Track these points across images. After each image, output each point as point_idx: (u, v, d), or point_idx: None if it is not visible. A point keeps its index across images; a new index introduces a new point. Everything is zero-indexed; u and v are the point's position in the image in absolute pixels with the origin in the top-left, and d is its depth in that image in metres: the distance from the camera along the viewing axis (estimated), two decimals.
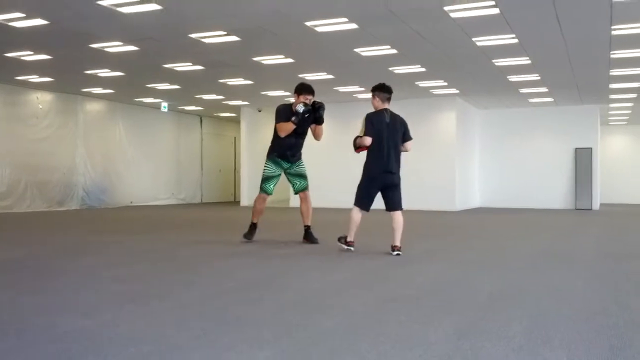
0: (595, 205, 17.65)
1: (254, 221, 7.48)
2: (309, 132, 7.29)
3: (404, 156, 6.57)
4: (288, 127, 6.96)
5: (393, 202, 6.44)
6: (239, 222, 8.33)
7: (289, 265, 5.70)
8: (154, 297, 4.00)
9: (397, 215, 6.41)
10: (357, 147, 6.47)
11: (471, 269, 5.48)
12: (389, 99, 6.48)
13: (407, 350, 2.73)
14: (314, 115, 7.06)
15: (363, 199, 6.46)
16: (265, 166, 7.33)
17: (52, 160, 15.71)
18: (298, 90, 7.09)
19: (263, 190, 7.31)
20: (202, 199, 21.53)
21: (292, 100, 7.19)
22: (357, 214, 6.48)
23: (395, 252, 6.24)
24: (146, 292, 4.17)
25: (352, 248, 6.51)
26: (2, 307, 3.69)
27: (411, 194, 16.51)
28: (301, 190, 7.40)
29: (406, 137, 6.48)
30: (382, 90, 6.46)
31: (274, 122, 7.19)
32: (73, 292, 4.18)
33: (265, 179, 7.29)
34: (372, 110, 6.51)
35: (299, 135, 7.17)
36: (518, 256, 6.52)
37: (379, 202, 6.50)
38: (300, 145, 7.31)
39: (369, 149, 6.34)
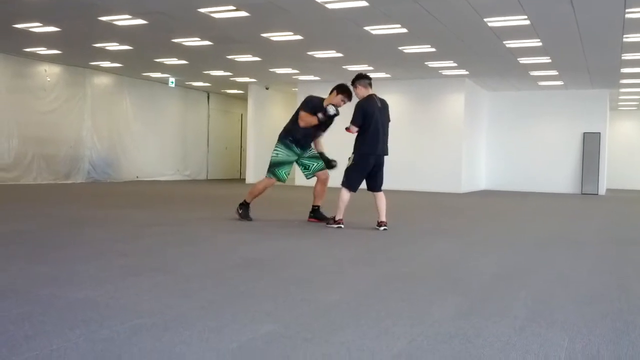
0: (602, 191, 17.59)
1: (248, 202, 7.24)
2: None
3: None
4: (311, 121, 6.90)
5: (378, 184, 6.79)
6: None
7: (293, 242, 5.72)
8: (158, 270, 4.02)
9: (381, 195, 6.76)
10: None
11: (476, 250, 5.49)
12: (370, 85, 6.77)
13: (408, 327, 2.74)
14: (330, 164, 7.14)
15: (355, 181, 6.72)
16: (276, 150, 7.09)
17: (59, 133, 15.74)
18: (340, 89, 6.95)
19: (274, 175, 7.05)
20: (208, 175, 21.57)
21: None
22: (346, 194, 6.73)
23: (382, 228, 6.60)
24: (151, 265, 4.20)
25: (342, 226, 6.70)
26: (11, 277, 3.72)
27: (417, 175, 16.70)
28: (320, 170, 7.18)
29: (388, 119, 6.84)
30: (363, 78, 6.77)
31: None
32: (79, 264, 4.20)
33: (278, 164, 7.04)
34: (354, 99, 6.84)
35: (318, 128, 7.05)
36: (523, 239, 6.52)
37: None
38: (316, 137, 7.20)
39: (361, 132, 6.62)
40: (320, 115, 6.88)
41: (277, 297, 3.30)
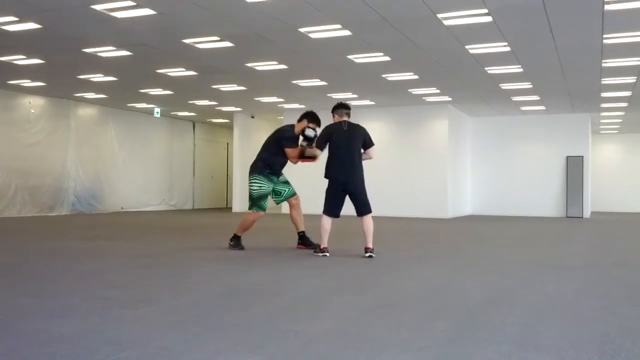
0: (586, 214, 17.72)
1: (239, 234, 7.30)
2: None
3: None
4: (299, 154, 7.09)
5: (360, 207, 6.74)
6: (231, 228, 8.34)
7: (279, 271, 5.69)
8: (143, 301, 3.98)
9: (367, 219, 6.69)
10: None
11: (462, 275, 5.48)
12: (348, 114, 6.93)
13: (396, 356, 2.73)
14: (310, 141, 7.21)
15: (330, 206, 6.73)
16: (257, 183, 7.10)
17: (44, 165, 15.63)
18: (308, 117, 7.13)
19: (260, 208, 7.12)
20: (194, 205, 21.47)
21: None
22: (326, 221, 6.72)
23: (368, 254, 6.53)
24: (135, 297, 4.15)
25: (327, 254, 6.63)
26: None
27: (403, 201, 16.74)
28: (292, 196, 7.31)
29: (367, 144, 6.83)
30: (340, 107, 6.95)
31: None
32: (63, 297, 4.15)
33: (261, 197, 7.11)
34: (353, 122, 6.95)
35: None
36: (509, 263, 6.53)
37: (349, 208, 6.81)
38: (286, 161, 7.35)
39: (329, 156, 6.73)
40: (303, 143, 7.07)
41: (262, 327, 3.27)
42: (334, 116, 6.92)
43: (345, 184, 6.64)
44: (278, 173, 7.25)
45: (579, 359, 2.72)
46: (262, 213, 7.17)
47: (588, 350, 2.86)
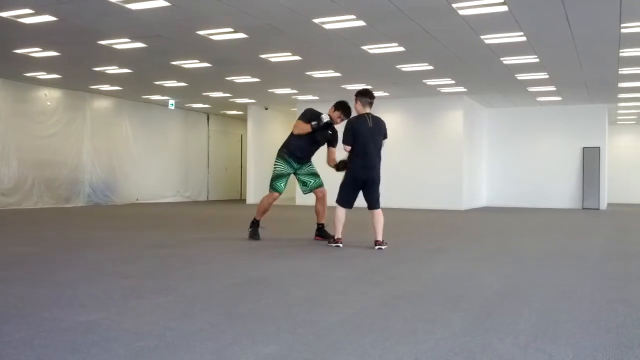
0: (603, 205, 17.56)
1: (258, 219, 7.37)
2: (322, 150, 7.27)
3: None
4: (304, 128, 7.01)
5: (373, 201, 6.76)
6: (245, 220, 8.38)
7: (295, 262, 5.70)
8: (159, 292, 4.00)
9: (378, 213, 6.72)
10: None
11: (478, 267, 5.47)
12: (370, 104, 6.80)
13: (412, 346, 2.72)
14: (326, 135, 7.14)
15: (346, 198, 6.76)
16: (275, 164, 7.24)
17: (60, 156, 15.77)
18: (338, 106, 7.10)
19: (274, 188, 7.18)
20: (208, 196, 21.56)
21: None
22: (341, 212, 6.78)
23: (377, 247, 6.55)
24: (152, 287, 4.18)
25: (340, 245, 6.68)
26: (13, 301, 3.70)
27: (417, 193, 16.71)
28: (317, 187, 7.30)
29: (385, 137, 6.81)
30: (364, 95, 6.80)
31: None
32: (80, 287, 4.18)
33: (277, 177, 7.18)
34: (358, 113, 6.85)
35: (313, 142, 7.15)
36: (525, 254, 6.50)
37: (360, 201, 6.81)
38: (311, 153, 7.30)
39: (352, 151, 6.66)
40: (313, 123, 7.00)
41: (278, 318, 3.28)
42: (356, 102, 6.76)
43: (366, 179, 6.65)
44: (298, 157, 7.20)
45: (595, 350, 2.70)
46: (276, 194, 7.19)
47: (605, 342, 2.84)
